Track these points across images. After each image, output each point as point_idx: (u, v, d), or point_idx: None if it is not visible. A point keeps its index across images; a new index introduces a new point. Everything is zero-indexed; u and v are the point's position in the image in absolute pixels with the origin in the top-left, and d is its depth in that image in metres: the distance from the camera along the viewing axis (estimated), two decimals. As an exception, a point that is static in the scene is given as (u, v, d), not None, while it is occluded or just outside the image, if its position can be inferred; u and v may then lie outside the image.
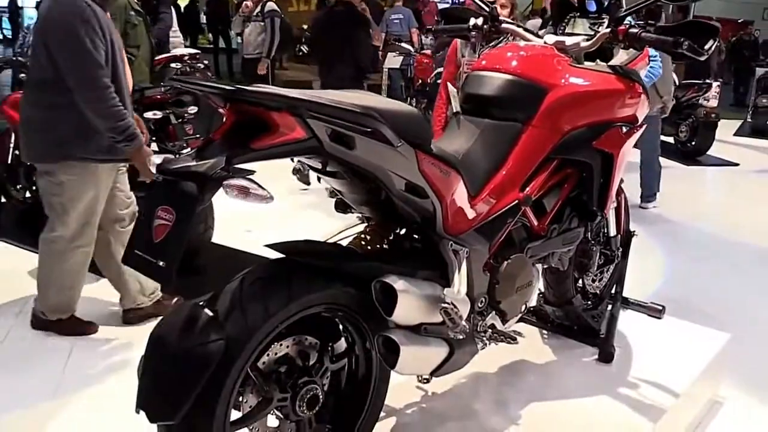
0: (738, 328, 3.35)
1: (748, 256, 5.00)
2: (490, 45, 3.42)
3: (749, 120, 10.87)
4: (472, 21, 2.60)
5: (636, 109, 2.43)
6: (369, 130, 1.60)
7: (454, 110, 2.26)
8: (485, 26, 2.58)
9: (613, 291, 3.11)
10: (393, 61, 8.83)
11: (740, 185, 7.41)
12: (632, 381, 2.75)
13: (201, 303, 1.65)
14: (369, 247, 2.06)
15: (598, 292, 3.11)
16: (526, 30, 2.58)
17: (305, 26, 10.79)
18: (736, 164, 8.22)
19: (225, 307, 1.64)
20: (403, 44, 9.22)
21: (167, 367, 1.58)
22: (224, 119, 1.62)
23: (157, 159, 1.60)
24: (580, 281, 2.98)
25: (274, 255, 1.78)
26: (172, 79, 1.78)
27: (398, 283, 1.78)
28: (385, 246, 2.05)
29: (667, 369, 2.82)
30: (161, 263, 1.50)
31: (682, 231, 5.57)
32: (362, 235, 2.11)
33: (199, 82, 1.59)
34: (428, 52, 8.93)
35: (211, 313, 1.62)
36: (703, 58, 2.21)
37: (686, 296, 4.00)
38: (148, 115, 4.02)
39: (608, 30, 2.33)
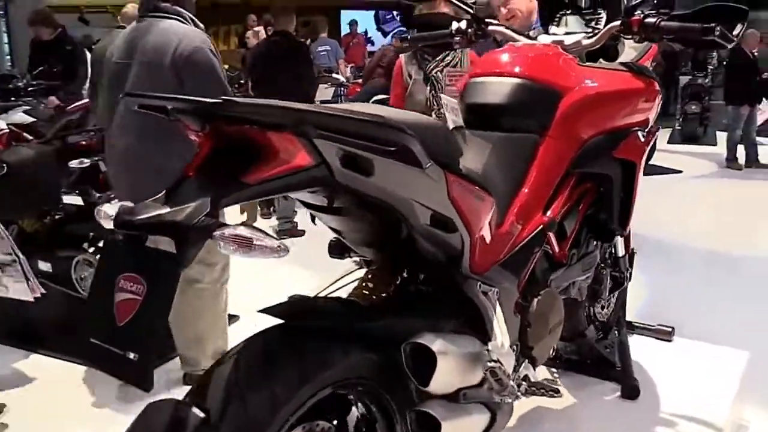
0: (749, 344, 3.12)
1: (721, 266, 4.83)
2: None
3: (678, 127, 11.01)
4: (455, 25, 2.27)
5: (653, 110, 2.15)
6: (393, 149, 1.22)
7: (455, 124, 1.92)
8: (470, 29, 2.27)
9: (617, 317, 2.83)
10: (325, 93, 8.49)
11: (690, 192, 7.33)
12: (664, 417, 2.44)
13: (185, 400, 1.22)
14: (374, 298, 1.67)
15: (605, 320, 2.80)
16: (515, 31, 2.28)
17: (227, 66, 10.38)
18: (680, 171, 8.19)
19: (217, 402, 1.20)
20: (333, 75, 8.91)
21: None
22: (198, 148, 1.21)
23: (110, 208, 1.16)
24: (591, 309, 2.66)
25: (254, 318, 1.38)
26: (128, 94, 1.39)
27: (436, 344, 1.40)
28: (394, 294, 1.67)
29: (697, 397, 2.54)
30: (131, 356, 1.06)
31: (646, 244, 5.36)
32: (364, 284, 1.72)
33: (171, 96, 1.18)
34: (359, 81, 8.65)
35: (201, 414, 1.18)
36: (731, 46, 1.94)
37: (677, 313, 3.75)
38: (74, 164, 3.52)
39: (618, 23, 2.04)
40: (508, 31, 2.27)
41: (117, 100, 2.59)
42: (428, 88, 3.12)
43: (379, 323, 1.48)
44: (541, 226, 1.84)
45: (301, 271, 3.54)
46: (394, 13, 16.40)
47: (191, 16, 2.69)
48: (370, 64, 8.24)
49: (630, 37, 2.06)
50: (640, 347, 2.90)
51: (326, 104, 1.28)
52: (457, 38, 2.28)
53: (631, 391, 2.55)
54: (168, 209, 1.07)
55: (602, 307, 2.74)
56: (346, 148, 1.20)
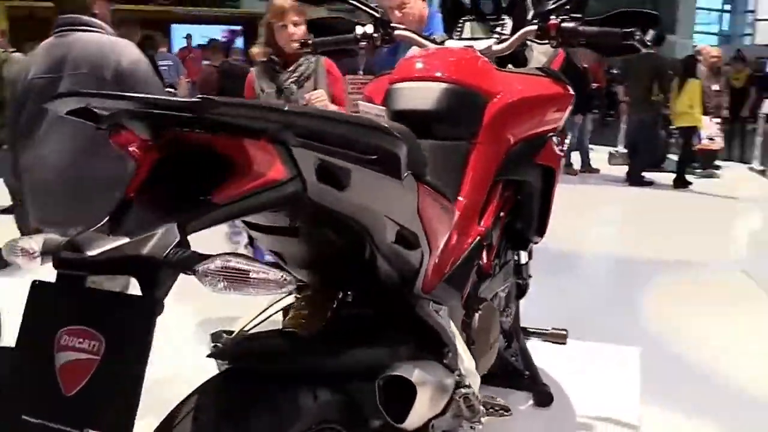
0: (635, 339, 3.26)
1: (596, 266, 5.09)
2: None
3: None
4: (360, 29, 2.16)
5: (566, 115, 2.14)
6: (375, 156, 1.08)
7: None
8: (376, 34, 2.16)
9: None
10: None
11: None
12: (581, 420, 2.45)
13: None
14: (310, 326, 1.51)
15: (507, 328, 2.79)
16: (422, 36, 2.20)
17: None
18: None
19: None
20: (173, 91, 8.52)
21: None
22: (139, 162, 1.00)
23: (31, 242, 0.92)
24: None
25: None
26: (61, 94, 1.13)
27: (414, 375, 1.27)
28: (335, 323, 1.51)
29: (605, 395, 2.59)
30: None
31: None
32: (298, 311, 1.55)
33: (126, 94, 0.96)
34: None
35: None
36: (645, 51, 1.97)
37: (559, 314, 3.86)
38: None
39: (534, 27, 2.01)
40: (416, 36, 2.19)
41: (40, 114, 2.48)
42: (282, 101, 3.02)
43: (344, 359, 1.32)
44: (479, 237, 1.76)
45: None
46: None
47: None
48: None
49: (547, 42, 2.03)
50: (536, 353, 2.91)
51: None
52: (363, 43, 2.17)
53: (544, 397, 2.55)
54: (125, 240, 0.86)
55: (506, 316, 2.72)
56: (326, 157, 1.04)
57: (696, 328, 3.94)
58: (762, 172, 9.66)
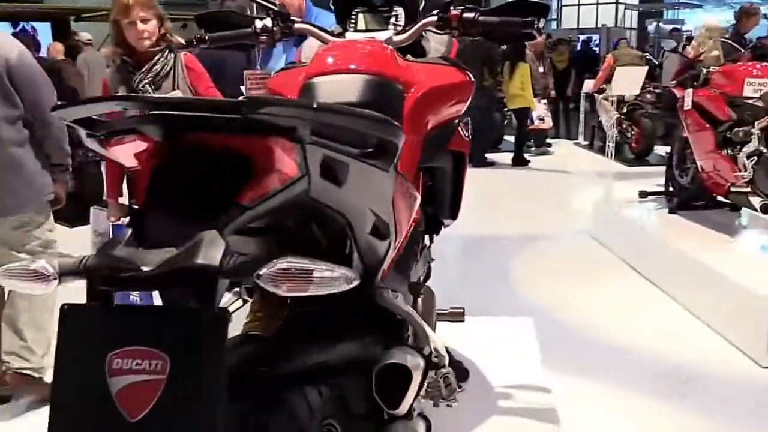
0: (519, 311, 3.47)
1: (462, 245, 5.30)
2: None
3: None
4: (260, 23, 2.12)
5: (468, 101, 2.23)
6: (371, 149, 1.08)
7: None
8: (275, 28, 2.13)
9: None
10: None
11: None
12: (500, 390, 2.56)
13: None
14: (269, 328, 1.49)
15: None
16: (321, 29, 2.20)
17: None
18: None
19: None
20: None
21: None
22: (138, 172, 0.94)
23: (46, 264, 0.85)
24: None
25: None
26: (57, 107, 0.97)
27: (408, 360, 1.28)
28: (295, 322, 1.50)
29: (512, 365, 2.72)
30: None
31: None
32: (256, 314, 1.53)
33: (164, 97, 0.89)
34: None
35: None
36: (540, 39, 2.09)
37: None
38: None
39: (435, 18, 2.06)
40: (315, 29, 2.18)
41: None
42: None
43: (322, 356, 1.32)
44: (414, 223, 1.80)
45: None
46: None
47: None
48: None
49: (447, 32, 2.10)
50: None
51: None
52: (263, 37, 2.13)
53: (460, 373, 2.62)
54: (173, 251, 0.81)
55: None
56: (331, 153, 1.03)
57: (566, 292, 4.27)
58: (588, 146, 10.46)
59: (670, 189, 5.30)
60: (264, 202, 0.93)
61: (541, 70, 10.10)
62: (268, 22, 2.12)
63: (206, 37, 2.11)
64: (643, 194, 5.54)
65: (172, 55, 2.91)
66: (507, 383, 2.56)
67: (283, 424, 1.09)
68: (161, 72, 2.90)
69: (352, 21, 2.24)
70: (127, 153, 0.95)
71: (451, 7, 2.05)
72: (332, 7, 2.34)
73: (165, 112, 0.86)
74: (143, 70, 2.88)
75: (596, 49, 16.75)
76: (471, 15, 2.02)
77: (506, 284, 4.53)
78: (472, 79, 2.18)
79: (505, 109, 9.91)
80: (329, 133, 1.00)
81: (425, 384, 1.46)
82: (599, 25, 20.66)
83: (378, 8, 2.28)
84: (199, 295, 0.85)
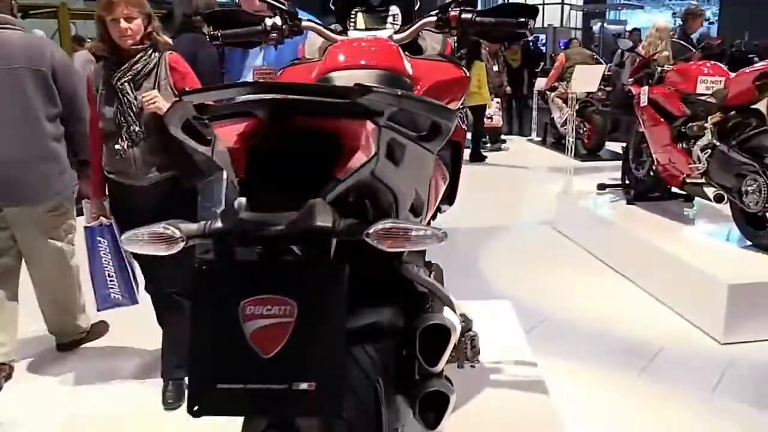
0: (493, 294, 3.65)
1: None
2: None
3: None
4: (269, 21, 2.24)
5: (465, 94, 2.38)
6: (425, 132, 1.23)
7: None
8: (284, 26, 2.25)
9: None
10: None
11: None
12: (492, 367, 2.73)
13: None
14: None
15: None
16: (326, 27, 2.33)
17: None
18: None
19: None
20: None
21: None
22: (235, 150, 1.07)
23: (172, 228, 0.98)
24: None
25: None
26: (186, 92, 1.05)
27: (447, 321, 1.43)
28: None
29: (503, 345, 2.90)
30: (304, 386, 0.92)
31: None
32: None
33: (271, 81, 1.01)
34: None
35: None
36: (530, 38, 2.26)
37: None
38: None
39: (434, 18, 2.22)
40: (321, 27, 2.31)
41: None
42: (115, 101, 2.81)
43: (380, 317, 1.45)
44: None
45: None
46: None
47: None
48: None
49: (446, 31, 2.25)
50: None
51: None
52: (273, 34, 2.25)
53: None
54: (286, 216, 0.94)
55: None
56: (397, 135, 1.17)
57: (534, 279, 4.49)
58: (540, 143, 10.78)
59: (627, 182, 5.57)
60: (351, 176, 1.08)
61: (495, 68, 10.36)
62: (278, 20, 2.24)
63: (218, 34, 2.22)
64: (602, 187, 5.81)
65: (156, 54, 2.87)
66: (497, 359, 2.73)
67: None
68: (142, 71, 2.84)
69: (352, 20, 2.38)
70: (230, 133, 1.08)
71: (450, 8, 2.21)
72: (332, 7, 2.47)
73: (283, 96, 1.00)
74: (124, 68, 2.83)
75: (543, 48, 17.21)
76: (469, 16, 2.18)
77: (478, 272, 4.73)
78: (468, 74, 2.35)
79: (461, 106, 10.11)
80: (398, 117, 1.14)
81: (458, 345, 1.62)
82: (545, 25, 21.18)
83: (375, 8, 2.42)
84: (315, 251, 0.98)
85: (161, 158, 2.82)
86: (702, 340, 3.61)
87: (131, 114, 2.81)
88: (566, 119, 9.09)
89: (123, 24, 2.78)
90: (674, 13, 38.36)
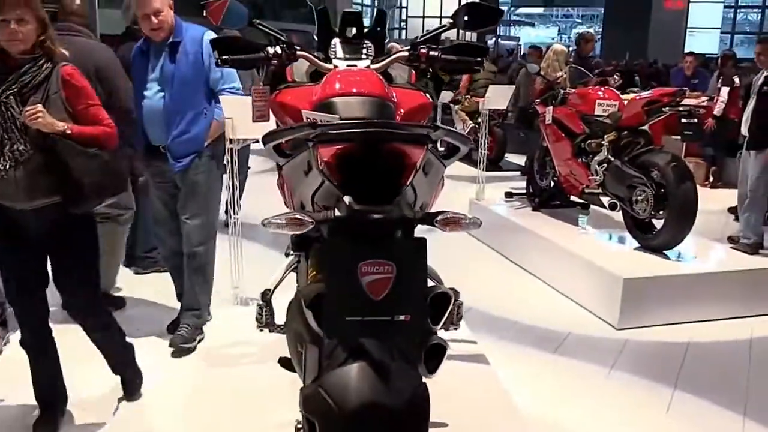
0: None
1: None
2: None
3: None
4: (271, 50, 2.64)
5: (429, 116, 2.86)
6: (447, 151, 1.71)
7: None
8: (283, 54, 2.66)
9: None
10: None
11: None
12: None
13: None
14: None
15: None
16: (314, 56, 2.75)
17: None
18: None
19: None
20: None
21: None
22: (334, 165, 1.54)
23: (300, 215, 1.45)
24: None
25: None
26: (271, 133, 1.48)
27: (448, 290, 1.89)
28: None
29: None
30: (401, 317, 1.38)
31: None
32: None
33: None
34: None
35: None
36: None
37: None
38: None
39: (406, 53, 2.68)
40: (311, 56, 2.73)
41: None
42: None
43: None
44: None
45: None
46: None
47: None
48: None
49: (415, 64, 2.72)
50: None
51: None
52: (274, 61, 2.65)
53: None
54: (381, 209, 1.41)
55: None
56: (430, 155, 1.65)
57: (451, 278, 4.98)
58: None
59: (531, 191, 6.22)
60: (410, 183, 1.54)
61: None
62: (278, 49, 2.64)
63: (227, 59, 2.61)
64: (509, 195, 6.46)
65: (49, 65, 2.65)
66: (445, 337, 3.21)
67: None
68: (30, 83, 2.59)
69: (333, 49, 2.81)
70: (330, 152, 1.53)
71: (420, 46, 2.69)
72: (315, 38, 2.90)
73: (384, 130, 1.47)
74: (10, 79, 2.58)
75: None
76: (435, 53, 2.67)
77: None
78: (432, 100, 2.83)
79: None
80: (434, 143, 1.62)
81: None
82: (443, 38, 22.04)
83: (351, 40, 2.86)
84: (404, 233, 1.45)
85: (47, 181, 2.58)
86: (601, 326, 4.26)
87: (15, 131, 2.55)
88: (469, 131, 9.78)
89: (13, 26, 2.53)
90: (560, 31, 40.80)
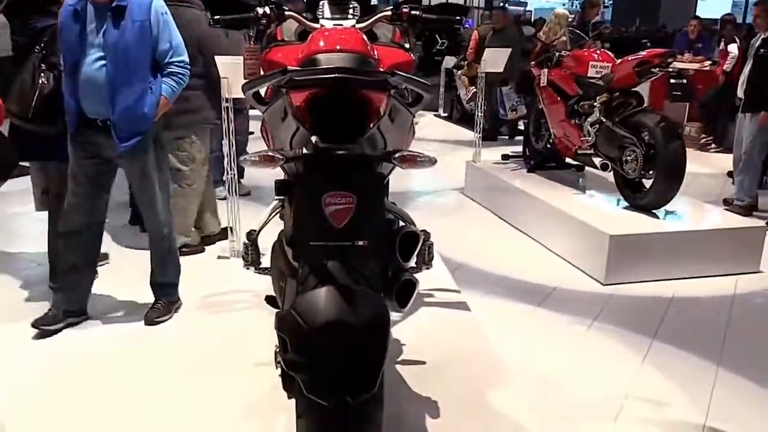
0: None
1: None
2: None
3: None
4: (260, 10, 2.74)
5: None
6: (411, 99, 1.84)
7: None
8: (272, 14, 2.76)
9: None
10: None
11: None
12: (427, 300, 3.35)
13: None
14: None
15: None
16: (302, 16, 2.85)
17: None
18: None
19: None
20: None
21: (351, 347, 1.60)
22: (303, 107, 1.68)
23: (273, 153, 1.60)
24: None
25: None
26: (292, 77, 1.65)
27: (417, 230, 2.04)
28: None
29: (436, 286, 3.53)
30: (360, 243, 1.53)
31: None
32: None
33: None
34: None
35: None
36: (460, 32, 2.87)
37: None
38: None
39: (389, 12, 2.78)
40: (299, 16, 2.84)
41: None
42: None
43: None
44: None
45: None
46: None
47: None
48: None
49: (397, 23, 2.82)
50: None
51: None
52: (263, 21, 2.76)
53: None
54: (351, 146, 1.57)
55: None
56: (395, 102, 1.77)
57: (448, 236, 5.14)
58: (447, 118, 11.51)
59: (527, 153, 6.32)
60: (374, 126, 1.68)
61: (407, 46, 10.94)
62: (267, 9, 2.74)
63: (220, 18, 2.71)
64: (506, 157, 6.55)
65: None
66: (431, 287, 3.36)
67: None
68: None
69: (320, 10, 2.92)
70: (301, 96, 1.66)
71: (402, 6, 2.79)
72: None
73: (345, 75, 1.59)
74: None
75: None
76: (417, 12, 2.77)
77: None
78: (414, 58, 2.94)
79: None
80: (398, 90, 1.74)
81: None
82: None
83: (338, 1, 2.96)
84: (367, 168, 1.59)
85: None
86: (588, 282, 4.39)
87: None
88: (471, 96, 9.83)
89: None
90: (570, -2, 40.41)
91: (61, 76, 3.35)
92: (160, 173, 3.43)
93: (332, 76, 1.64)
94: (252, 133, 6.29)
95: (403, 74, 1.74)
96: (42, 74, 3.46)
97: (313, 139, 1.65)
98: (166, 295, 3.58)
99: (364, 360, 1.61)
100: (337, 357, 1.59)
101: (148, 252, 3.55)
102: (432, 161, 1.77)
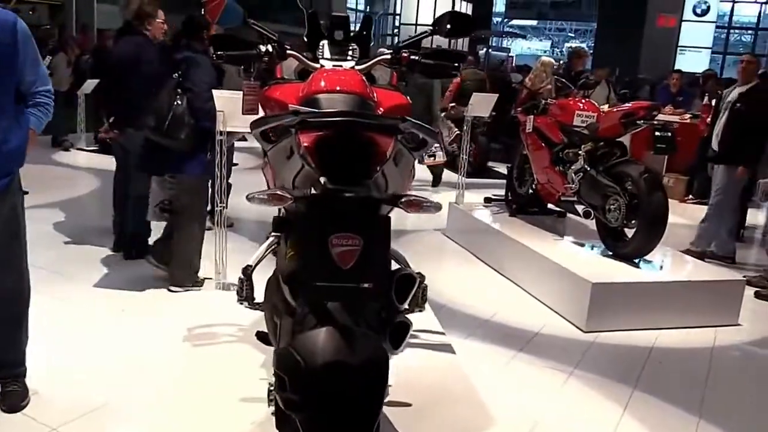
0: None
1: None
2: None
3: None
4: (263, 48, 2.76)
5: None
6: (415, 144, 1.87)
7: None
8: (274, 53, 2.79)
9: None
10: None
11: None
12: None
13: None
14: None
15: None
16: (303, 56, 2.88)
17: None
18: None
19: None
20: None
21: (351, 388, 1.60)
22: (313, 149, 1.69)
23: (280, 191, 1.60)
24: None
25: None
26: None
27: (414, 273, 2.04)
28: None
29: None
30: (365, 285, 1.53)
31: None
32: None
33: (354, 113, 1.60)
34: None
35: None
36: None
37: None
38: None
39: (388, 56, 2.82)
40: (300, 56, 2.86)
41: None
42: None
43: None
44: None
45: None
46: None
47: None
48: None
49: (396, 67, 2.86)
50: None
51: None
52: (266, 59, 2.78)
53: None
54: (357, 189, 1.59)
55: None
56: (400, 146, 1.80)
57: (429, 277, 5.14)
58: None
59: (510, 197, 6.38)
60: (381, 169, 1.70)
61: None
62: (270, 47, 2.77)
63: (223, 54, 2.73)
64: (488, 200, 6.61)
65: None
66: (418, 328, 3.35)
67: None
68: None
69: (320, 50, 2.95)
70: (310, 137, 1.68)
71: (401, 50, 2.83)
72: (305, 39, 3.03)
73: (355, 119, 1.61)
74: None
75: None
76: (416, 57, 2.81)
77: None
78: (409, 101, 2.97)
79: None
80: (405, 135, 1.76)
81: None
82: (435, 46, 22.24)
83: (339, 42, 3.00)
84: (372, 210, 1.60)
85: None
86: (568, 329, 4.40)
87: None
88: (454, 138, 9.92)
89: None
90: (553, 44, 41.20)
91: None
92: (24, 227, 2.95)
93: (345, 119, 1.67)
94: (236, 164, 6.30)
95: (413, 121, 1.78)
96: (177, 97, 4.10)
97: (322, 180, 1.67)
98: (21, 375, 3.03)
99: (364, 401, 1.61)
100: (336, 398, 1.59)
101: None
102: (437, 207, 1.79)
